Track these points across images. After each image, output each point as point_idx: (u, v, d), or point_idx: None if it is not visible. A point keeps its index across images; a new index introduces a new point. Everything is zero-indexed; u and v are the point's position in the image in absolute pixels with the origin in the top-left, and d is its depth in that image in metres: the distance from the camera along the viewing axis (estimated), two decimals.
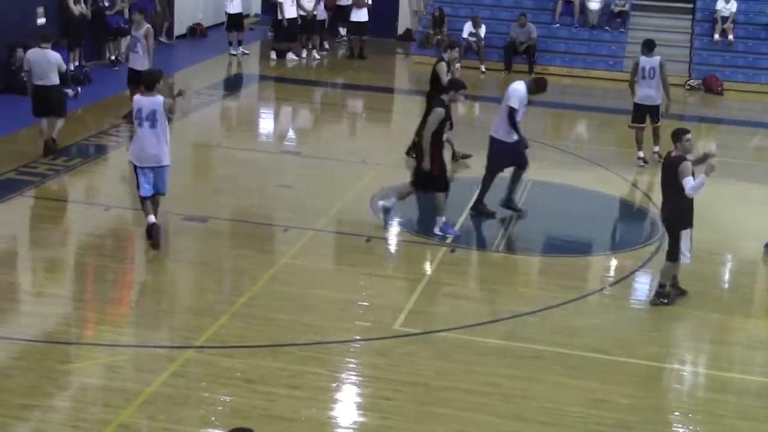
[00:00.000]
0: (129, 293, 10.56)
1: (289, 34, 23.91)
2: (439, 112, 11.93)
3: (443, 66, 14.84)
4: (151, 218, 11.33)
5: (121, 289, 10.66)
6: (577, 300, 10.62)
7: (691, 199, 10.17)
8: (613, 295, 10.95)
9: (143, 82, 11.78)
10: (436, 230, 12.14)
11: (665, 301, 10.49)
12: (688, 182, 9.87)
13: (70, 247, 11.71)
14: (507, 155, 12.84)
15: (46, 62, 14.48)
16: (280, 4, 23.56)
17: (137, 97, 11.54)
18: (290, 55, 23.92)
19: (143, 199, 11.42)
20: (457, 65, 15.59)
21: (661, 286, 10.55)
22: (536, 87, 12.99)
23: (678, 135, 10.12)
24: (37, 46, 14.68)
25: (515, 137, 12.71)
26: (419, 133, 13.16)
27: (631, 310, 10.76)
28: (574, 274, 11.55)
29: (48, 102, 14.58)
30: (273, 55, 23.84)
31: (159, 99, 11.26)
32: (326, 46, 25.23)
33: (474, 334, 9.66)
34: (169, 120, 11.60)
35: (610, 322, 10.19)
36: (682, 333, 10.31)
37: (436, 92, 13.60)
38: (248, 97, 21.24)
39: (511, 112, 12.60)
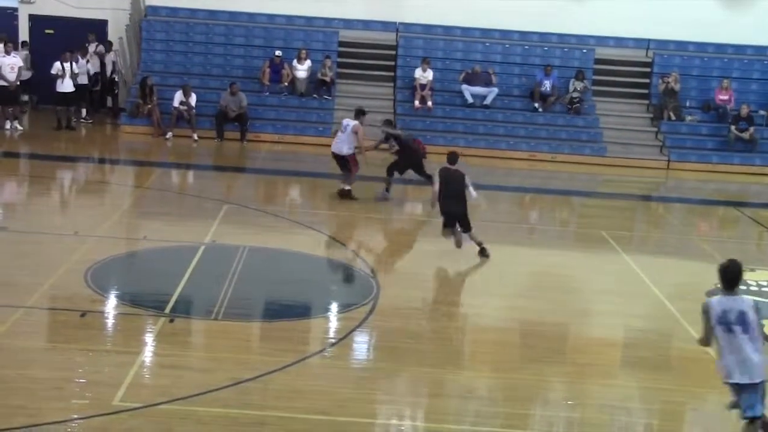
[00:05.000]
0: None
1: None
2: None
3: None
4: None
5: None
6: (297, 363, 10.80)
7: None
8: (333, 356, 11.22)
9: None
10: None
11: None
12: None
13: None
14: None
15: None
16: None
17: None
18: None
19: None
20: None
21: None
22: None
23: None
24: None
25: None
26: None
27: (350, 369, 11.06)
28: (293, 338, 11.73)
29: None
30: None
31: None
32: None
33: (196, 404, 9.58)
34: None
35: (330, 384, 10.42)
36: (399, 389, 10.68)
37: None
38: None
39: None
